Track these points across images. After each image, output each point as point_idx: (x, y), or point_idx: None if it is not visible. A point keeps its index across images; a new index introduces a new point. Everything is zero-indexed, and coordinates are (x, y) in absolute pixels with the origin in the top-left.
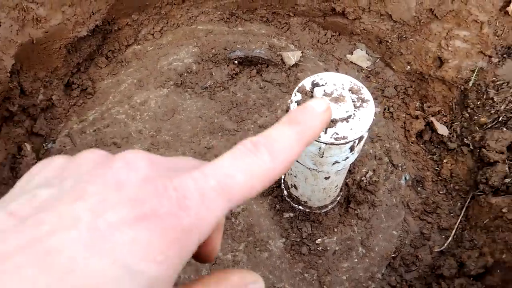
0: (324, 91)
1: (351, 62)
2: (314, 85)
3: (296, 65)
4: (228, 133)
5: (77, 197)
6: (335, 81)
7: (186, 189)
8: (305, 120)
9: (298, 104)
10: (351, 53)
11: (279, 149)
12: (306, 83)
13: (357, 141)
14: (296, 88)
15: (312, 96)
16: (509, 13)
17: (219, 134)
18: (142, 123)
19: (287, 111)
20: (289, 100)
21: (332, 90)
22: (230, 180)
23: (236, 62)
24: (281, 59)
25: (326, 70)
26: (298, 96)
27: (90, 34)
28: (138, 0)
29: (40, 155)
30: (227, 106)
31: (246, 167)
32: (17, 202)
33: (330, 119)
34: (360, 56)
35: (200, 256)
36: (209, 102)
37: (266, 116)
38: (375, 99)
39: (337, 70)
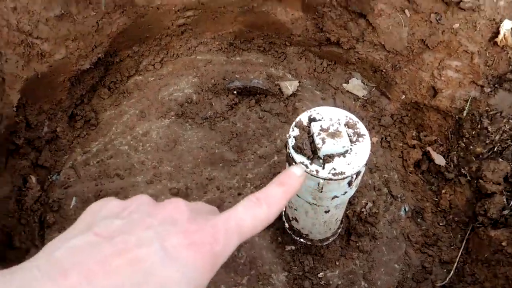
0: (321, 126)
1: (348, 91)
2: (311, 120)
3: (294, 94)
4: (229, 164)
5: (146, 226)
6: (331, 115)
7: (217, 227)
8: (288, 182)
9: (295, 140)
10: (347, 82)
11: (273, 202)
12: (303, 118)
13: (354, 176)
14: (294, 123)
15: (309, 132)
16: (498, 43)
17: (220, 164)
18: (144, 154)
19: (285, 146)
20: (287, 135)
21: (329, 125)
22: (242, 222)
23: (235, 92)
24: (279, 89)
25: (323, 99)
26: (296, 131)
27: (93, 66)
28: (138, 33)
29: (45, 187)
30: (227, 137)
31: (253, 214)
32: (98, 227)
33: (303, 180)
34: (356, 85)
35: None
36: (209, 133)
37: (266, 147)
38: (372, 128)
39: (334, 100)
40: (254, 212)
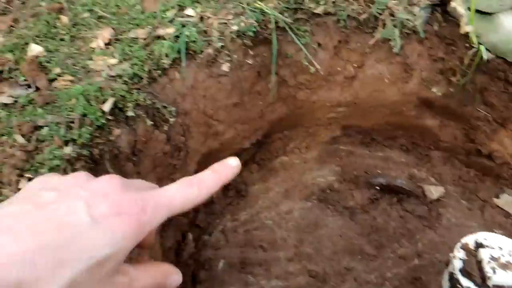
0: (491, 255)
1: (498, 206)
2: (478, 245)
3: (438, 199)
4: (368, 258)
5: (78, 197)
6: (500, 244)
7: (146, 200)
8: (222, 171)
9: (464, 263)
10: (498, 196)
11: (204, 187)
12: (470, 241)
13: None
14: (460, 244)
15: (476, 256)
16: None
17: (359, 256)
18: (286, 231)
19: (446, 264)
20: (451, 255)
21: (499, 255)
22: (173, 199)
23: (377, 187)
24: (422, 192)
25: (469, 209)
26: (462, 254)
27: (250, 146)
28: (292, 120)
29: (199, 245)
30: (367, 230)
31: (184, 193)
32: (34, 198)
33: (238, 171)
34: (509, 202)
35: (141, 244)
36: (349, 222)
37: (406, 247)
38: None
39: (482, 213)
40: (185, 192)
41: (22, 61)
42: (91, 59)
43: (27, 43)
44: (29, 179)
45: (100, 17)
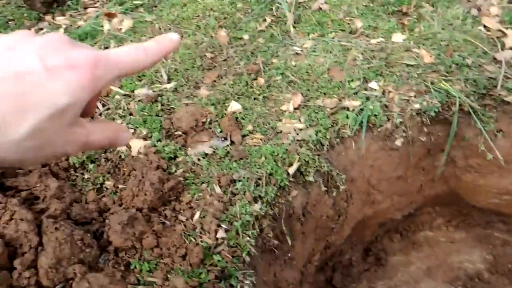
0: None
1: None
2: None
3: None
4: None
5: (27, 50)
6: None
7: (99, 56)
8: (165, 42)
9: None
10: None
11: (151, 54)
12: None
13: None
14: None
15: None
16: None
17: None
18: None
19: None
20: None
21: None
22: (123, 60)
23: None
24: None
25: None
26: None
27: (401, 218)
28: (447, 199)
29: None
30: None
31: (134, 57)
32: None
33: (177, 46)
34: None
35: (85, 111)
36: None
37: None
38: None
39: None
40: (134, 54)
41: (222, 115)
42: (280, 120)
43: (227, 99)
44: (226, 230)
45: (291, 82)
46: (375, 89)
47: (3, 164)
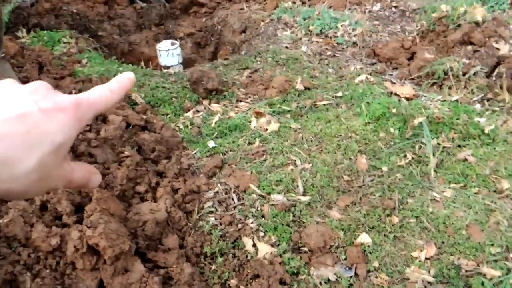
0: None
1: None
2: None
3: None
4: None
5: (22, 97)
6: None
7: (79, 100)
8: (123, 81)
9: None
10: None
11: (114, 92)
12: None
13: None
14: None
15: None
16: None
17: None
18: None
19: None
20: None
21: None
22: (97, 100)
23: None
24: None
25: None
26: None
27: None
28: None
29: None
30: None
31: (102, 97)
32: None
33: (133, 84)
34: None
35: None
36: None
37: None
38: None
39: None
40: (103, 95)
41: (350, 243)
42: (408, 266)
43: (358, 229)
44: None
45: (425, 228)
46: None
47: (9, 196)
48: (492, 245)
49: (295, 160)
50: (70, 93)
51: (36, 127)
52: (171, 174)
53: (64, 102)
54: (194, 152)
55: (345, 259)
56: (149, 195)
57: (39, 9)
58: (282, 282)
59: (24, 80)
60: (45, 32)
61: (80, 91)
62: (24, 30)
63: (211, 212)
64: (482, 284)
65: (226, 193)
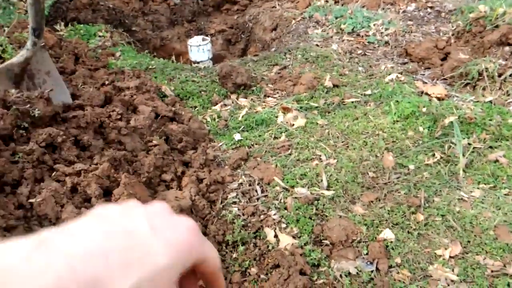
0: None
1: None
2: None
3: None
4: None
5: (137, 214)
6: None
7: (197, 227)
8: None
9: None
10: None
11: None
12: None
13: None
14: None
15: None
16: None
17: None
18: None
19: None
20: None
21: None
22: (212, 251)
23: None
24: None
25: None
26: None
27: None
28: None
29: None
30: None
31: (216, 262)
32: (103, 215)
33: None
34: None
35: None
36: None
37: None
38: None
39: None
40: (217, 265)
41: (372, 238)
42: (432, 264)
43: (381, 224)
44: None
45: (450, 227)
46: None
47: None
48: None
49: (320, 155)
50: (104, 84)
51: (140, 245)
52: (196, 164)
53: (179, 222)
54: (220, 144)
55: (367, 253)
56: (174, 183)
57: (77, 3)
58: (302, 273)
59: (61, 70)
60: (81, 25)
61: (112, 82)
62: (62, 23)
63: (234, 203)
64: (508, 285)
65: (250, 185)
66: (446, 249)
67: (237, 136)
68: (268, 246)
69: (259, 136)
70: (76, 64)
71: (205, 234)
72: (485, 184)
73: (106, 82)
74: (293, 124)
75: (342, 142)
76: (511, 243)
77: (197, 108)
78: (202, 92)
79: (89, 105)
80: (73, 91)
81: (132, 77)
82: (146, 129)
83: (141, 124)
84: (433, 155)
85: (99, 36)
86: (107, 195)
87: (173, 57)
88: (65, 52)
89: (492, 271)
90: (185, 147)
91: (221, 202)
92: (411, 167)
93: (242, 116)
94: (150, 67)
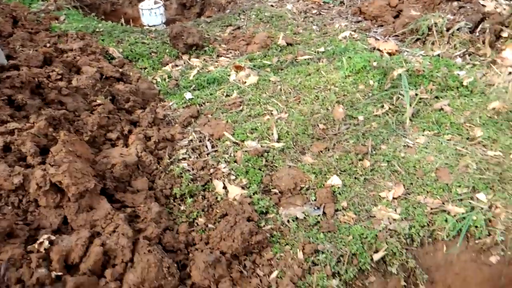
0: None
1: None
2: None
3: None
4: None
5: None
6: None
7: None
8: None
9: None
10: None
11: None
12: None
13: None
14: None
15: None
16: None
17: None
18: None
19: None
20: None
21: None
22: None
23: None
24: None
25: None
26: None
27: None
28: None
29: None
30: None
31: None
32: None
33: None
34: None
35: None
36: None
37: None
38: None
39: None
40: None
41: (320, 185)
42: (376, 205)
43: (329, 172)
44: None
45: (395, 171)
46: (482, 201)
47: None
48: (459, 186)
49: (272, 111)
50: (45, 46)
51: None
52: (145, 123)
53: None
54: (171, 103)
55: (315, 200)
56: (121, 141)
57: None
58: (250, 220)
59: None
60: None
61: (55, 44)
62: None
63: (184, 159)
64: (446, 220)
65: (200, 141)
66: (390, 191)
67: (188, 95)
68: (216, 198)
69: (211, 94)
70: (15, 27)
71: (152, 188)
72: (429, 131)
73: (48, 45)
74: (245, 82)
75: (294, 97)
76: (450, 183)
77: (146, 69)
78: (152, 54)
79: (26, 65)
80: (9, 53)
81: (75, 39)
82: (89, 89)
83: (83, 84)
84: (382, 106)
85: (42, 0)
86: (44, 153)
87: (122, 20)
88: (1, 15)
89: (431, 209)
90: (133, 107)
91: (170, 158)
92: (361, 118)
93: (194, 76)
94: (97, 30)
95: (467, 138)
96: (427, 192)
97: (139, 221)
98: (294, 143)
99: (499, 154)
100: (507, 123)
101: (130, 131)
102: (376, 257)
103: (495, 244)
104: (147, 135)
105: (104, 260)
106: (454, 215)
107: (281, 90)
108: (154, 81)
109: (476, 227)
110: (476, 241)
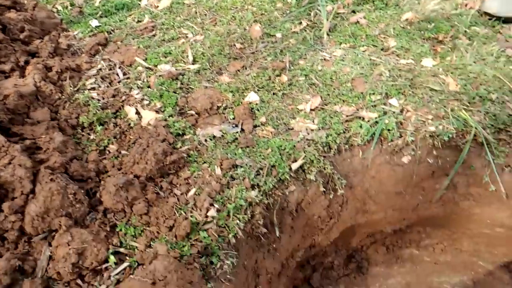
0: None
1: None
2: None
3: None
4: None
5: None
6: None
7: None
8: None
9: None
10: None
11: None
12: None
13: None
14: None
15: None
16: None
17: None
18: None
19: None
20: None
21: None
22: None
23: None
24: None
25: None
26: None
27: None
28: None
29: None
30: None
31: None
32: None
33: None
34: None
35: None
36: None
37: None
38: None
39: None
40: None
41: (238, 103)
42: (294, 118)
43: (247, 89)
44: (217, 210)
45: (313, 84)
46: (394, 106)
47: None
48: (373, 93)
49: (187, 34)
50: None
51: None
52: (45, 54)
53: None
54: (75, 33)
55: (233, 118)
56: (16, 73)
57: None
58: (165, 141)
59: None
60: None
61: None
62: None
63: (93, 88)
64: (360, 126)
65: (110, 69)
66: (307, 103)
67: (95, 23)
68: (129, 124)
69: (120, 21)
70: None
71: (55, 119)
72: (346, 44)
73: None
74: (158, 6)
75: (210, 19)
76: (365, 91)
77: None
78: None
79: None
80: None
81: None
82: None
83: None
84: (300, 23)
85: None
86: None
87: None
88: None
89: (347, 116)
90: (30, 37)
91: (75, 87)
92: (278, 35)
93: (100, 2)
94: None
95: (382, 49)
96: (343, 101)
97: (40, 152)
98: (210, 64)
99: (411, 62)
100: (418, 33)
101: (26, 62)
102: (295, 166)
103: (406, 145)
104: (48, 65)
105: (2, 194)
106: (368, 121)
107: (196, 12)
108: (55, 10)
109: (389, 130)
110: (389, 144)
